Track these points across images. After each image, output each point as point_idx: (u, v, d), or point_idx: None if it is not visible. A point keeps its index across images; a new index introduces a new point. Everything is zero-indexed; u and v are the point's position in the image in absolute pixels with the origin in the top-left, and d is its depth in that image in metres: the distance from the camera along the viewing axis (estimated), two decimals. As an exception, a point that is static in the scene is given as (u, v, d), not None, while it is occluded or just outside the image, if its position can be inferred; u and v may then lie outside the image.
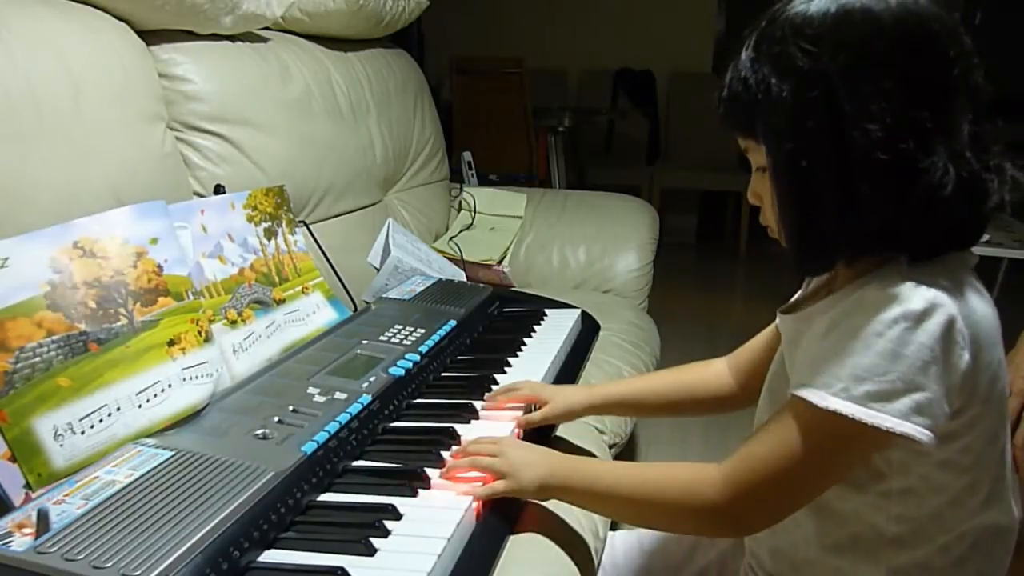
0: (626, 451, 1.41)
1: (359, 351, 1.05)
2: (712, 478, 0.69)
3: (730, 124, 0.70)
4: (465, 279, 1.74)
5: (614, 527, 0.99)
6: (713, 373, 0.96)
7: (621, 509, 0.78)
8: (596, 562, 0.89)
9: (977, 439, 0.67)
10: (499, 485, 0.78)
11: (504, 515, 0.82)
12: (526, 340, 1.25)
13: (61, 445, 0.75)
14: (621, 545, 1.00)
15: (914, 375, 0.61)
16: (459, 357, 1.18)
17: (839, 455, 0.65)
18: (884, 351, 0.61)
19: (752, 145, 0.70)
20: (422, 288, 1.38)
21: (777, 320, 0.87)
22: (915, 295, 0.62)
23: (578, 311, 1.42)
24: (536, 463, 0.79)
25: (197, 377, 0.89)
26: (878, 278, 0.64)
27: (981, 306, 0.66)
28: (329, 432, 0.83)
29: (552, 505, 0.87)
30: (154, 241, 0.92)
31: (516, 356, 1.18)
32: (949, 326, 0.61)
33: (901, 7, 0.62)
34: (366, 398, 0.92)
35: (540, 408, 0.97)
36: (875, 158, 0.61)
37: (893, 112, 0.60)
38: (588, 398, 0.98)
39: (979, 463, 0.69)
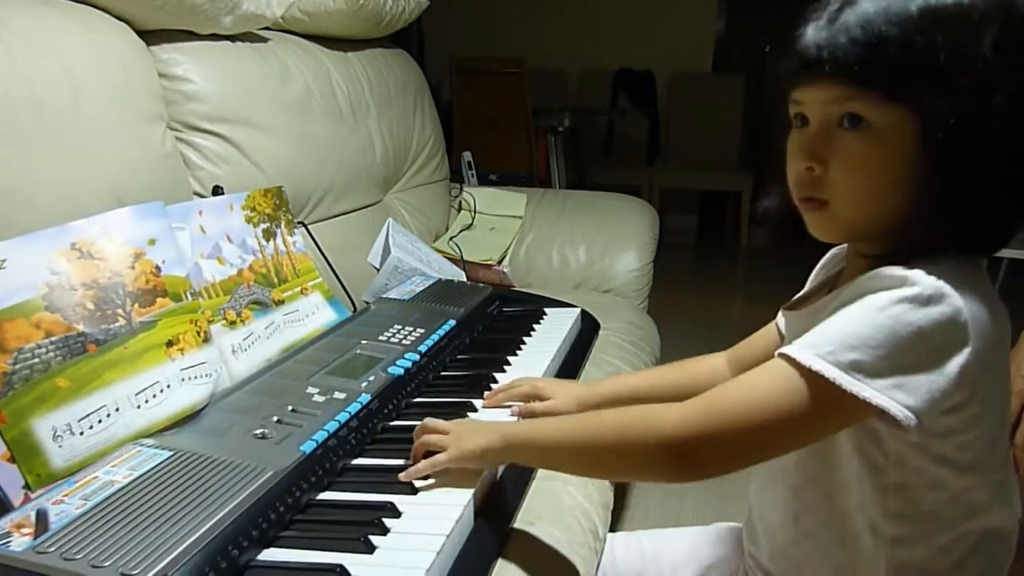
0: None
1: (358, 351, 1.05)
2: (675, 409, 0.67)
3: (850, 67, 0.62)
4: (465, 279, 1.74)
5: (613, 528, 0.99)
6: (711, 368, 0.96)
7: (574, 456, 0.75)
8: (596, 562, 0.89)
9: (977, 439, 0.67)
10: (441, 456, 0.78)
11: (503, 513, 0.82)
12: (525, 339, 1.25)
13: (60, 446, 0.75)
14: (621, 546, 1.00)
15: (904, 354, 0.60)
16: (459, 356, 1.18)
17: (811, 416, 0.63)
18: (880, 325, 0.60)
19: (866, 96, 0.62)
20: (422, 288, 1.38)
21: (780, 318, 0.86)
22: (926, 280, 0.61)
23: (577, 310, 1.42)
24: (482, 431, 0.79)
25: (196, 377, 0.89)
26: (893, 267, 0.63)
27: (992, 308, 0.65)
28: (328, 431, 0.83)
29: (551, 504, 0.87)
30: (152, 242, 0.92)
31: (515, 355, 1.18)
32: (953, 316, 0.60)
33: None
34: (365, 397, 0.92)
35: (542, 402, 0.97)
36: None
37: None
38: (590, 395, 0.98)
39: (979, 464, 0.68)
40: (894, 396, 0.60)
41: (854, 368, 0.60)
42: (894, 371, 0.60)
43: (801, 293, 0.83)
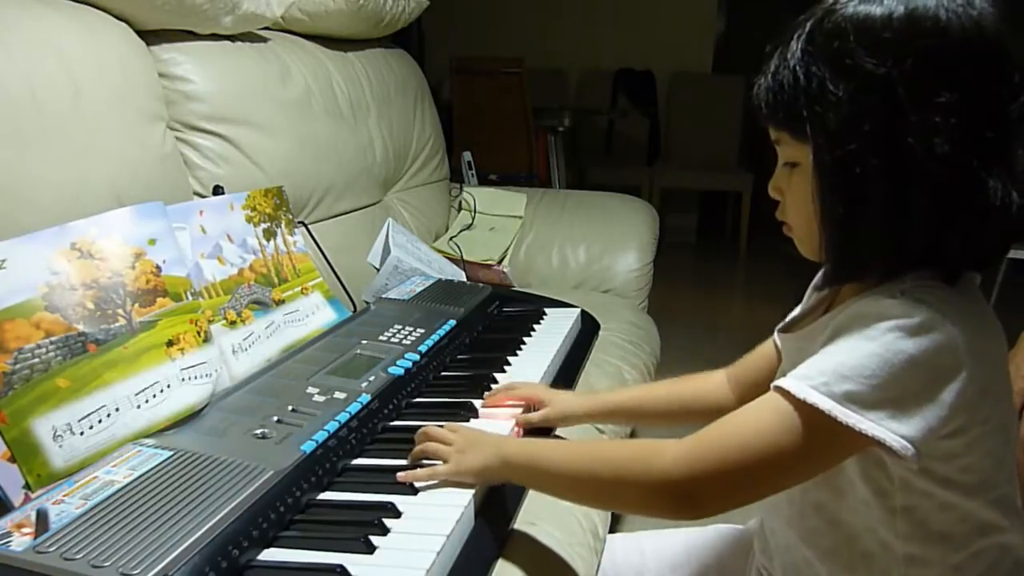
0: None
1: (359, 351, 1.05)
2: (672, 448, 0.66)
3: (767, 114, 0.67)
4: (465, 279, 1.74)
5: (613, 529, 0.99)
6: (712, 385, 0.95)
7: (571, 485, 0.75)
8: (596, 562, 0.89)
9: (981, 460, 0.66)
10: (440, 469, 0.78)
11: (503, 513, 0.82)
12: (525, 339, 1.25)
13: (60, 446, 0.75)
14: (620, 547, 1.00)
15: (898, 384, 0.59)
16: (459, 356, 1.18)
17: (807, 450, 0.62)
18: (872, 354, 0.60)
19: (787, 139, 0.67)
20: (422, 288, 1.38)
21: (776, 339, 0.85)
22: (916, 309, 0.60)
23: (577, 310, 1.42)
24: (484, 444, 0.79)
25: (196, 377, 0.89)
26: (884, 291, 0.63)
27: (985, 328, 0.64)
28: (328, 431, 0.83)
29: (552, 504, 0.87)
30: (152, 242, 0.92)
31: (515, 355, 1.18)
32: (946, 343, 0.60)
33: (971, 22, 0.59)
34: (365, 397, 0.92)
35: (539, 410, 0.97)
36: (936, 172, 0.59)
37: (958, 127, 0.58)
38: (586, 405, 0.98)
39: (986, 484, 0.67)
40: (889, 427, 0.59)
41: (848, 399, 0.60)
42: (888, 401, 0.59)
43: (796, 313, 0.83)
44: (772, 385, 0.65)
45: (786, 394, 0.62)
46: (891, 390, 0.59)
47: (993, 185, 0.60)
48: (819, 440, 0.62)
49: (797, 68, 0.63)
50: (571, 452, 0.76)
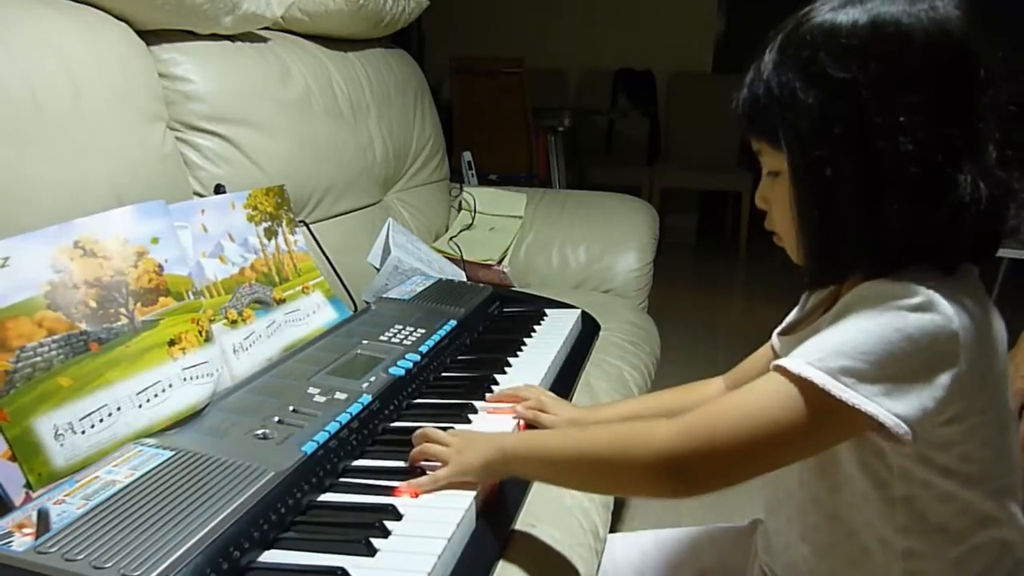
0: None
1: (359, 351, 1.05)
2: (668, 425, 0.67)
3: (747, 126, 0.70)
4: (465, 279, 1.74)
5: (614, 528, 0.99)
6: (713, 392, 0.95)
7: (570, 470, 0.75)
8: (596, 563, 0.89)
9: (980, 449, 0.66)
10: (441, 472, 0.78)
11: (504, 515, 0.82)
12: (526, 340, 1.25)
13: (61, 445, 0.75)
14: (621, 547, 1.00)
15: (895, 362, 0.60)
16: (459, 357, 1.18)
17: (802, 426, 0.62)
18: (870, 332, 0.61)
19: (766, 148, 0.69)
20: (422, 288, 1.38)
21: (775, 342, 0.86)
22: (916, 291, 0.61)
23: (578, 311, 1.42)
24: (482, 443, 0.79)
25: (197, 377, 0.89)
26: (882, 280, 0.64)
27: (985, 319, 0.65)
28: (329, 432, 0.83)
29: (552, 505, 0.87)
30: (155, 241, 0.92)
31: (516, 356, 1.18)
32: (943, 325, 0.60)
33: (933, 23, 0.61)
34: (366, 398, 0.92)
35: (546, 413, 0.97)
36: (904, 171, 0.61)
37: (924, 126, 0.60)
38: (591, 417, 0.98)
39: (985, 474, 0.67)
40: (883, 403, 0.60)
41: (844, 373, 0.60)
42: (884, 378, 0.60)
43: (794, 316, 0.83)
44: (771, 364, 0.65)
45: (784, 371, 0.63)
46: (887, 367, 0.60)
47: (963, 181, 0.61)
48: (813, 416, 0.62)
49: (770, 79, 0.66)
50: (571, 437, 0.77)
